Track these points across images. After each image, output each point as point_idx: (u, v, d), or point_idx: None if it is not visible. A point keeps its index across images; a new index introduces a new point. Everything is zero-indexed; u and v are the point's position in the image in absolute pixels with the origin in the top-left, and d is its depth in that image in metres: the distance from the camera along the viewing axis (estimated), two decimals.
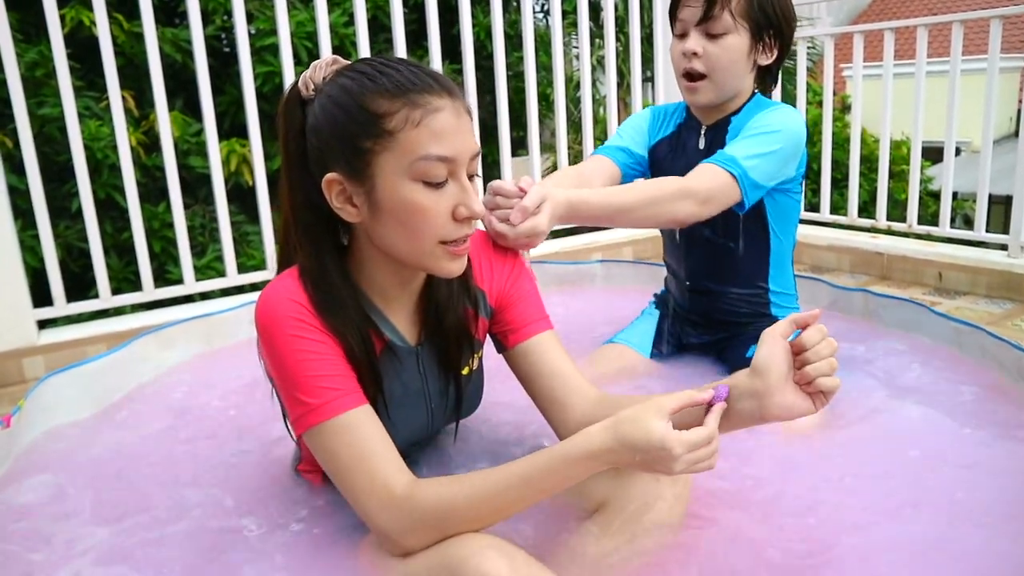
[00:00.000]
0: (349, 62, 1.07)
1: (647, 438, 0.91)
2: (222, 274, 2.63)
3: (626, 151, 1.72)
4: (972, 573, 1.04)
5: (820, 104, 4.30)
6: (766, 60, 1.58)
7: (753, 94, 1.64)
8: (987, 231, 2.68)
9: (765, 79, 1.63)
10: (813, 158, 3.30)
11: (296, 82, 1.06)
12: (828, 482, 1.25)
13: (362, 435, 1.01)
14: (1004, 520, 1.13)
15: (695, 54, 1.54)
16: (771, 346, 0.99)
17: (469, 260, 1.16)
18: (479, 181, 1.19)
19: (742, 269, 1.67)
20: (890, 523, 1.14)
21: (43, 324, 2.30)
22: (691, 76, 1.57)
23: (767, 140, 1.50)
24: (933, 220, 2.89)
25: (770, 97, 1.66)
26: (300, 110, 1.04)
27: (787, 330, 0.99)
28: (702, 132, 1.66)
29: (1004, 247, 2.58)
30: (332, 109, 1.01)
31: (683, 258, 1.73)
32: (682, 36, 1.57)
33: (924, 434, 1.39)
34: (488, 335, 1.28)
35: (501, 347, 1.26)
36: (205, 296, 2.86)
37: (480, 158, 1.07)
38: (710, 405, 0.98)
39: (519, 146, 4.23)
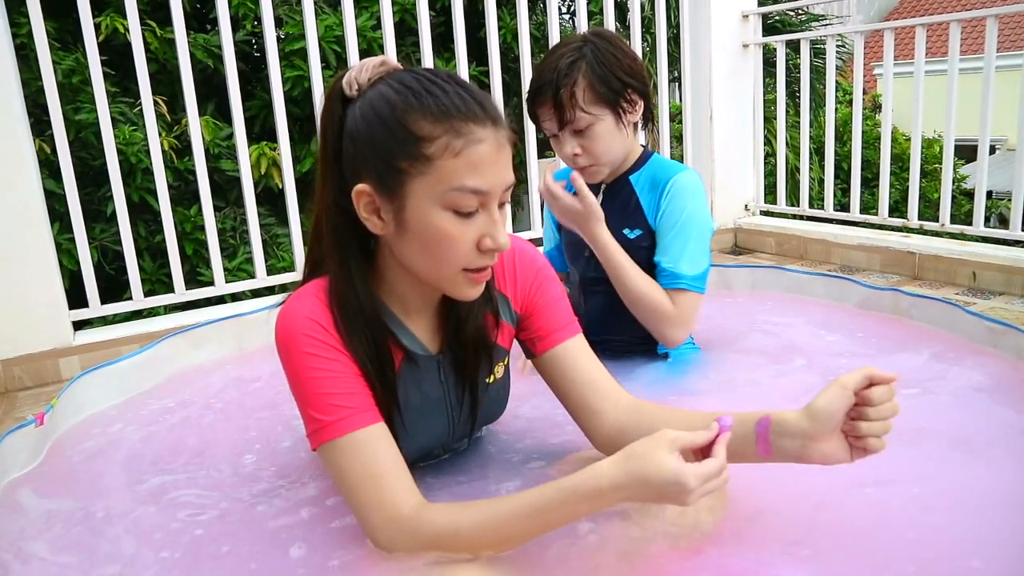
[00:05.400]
0: (397, 65, 1.05)
1: (660, 473, 0.90)
2: (252, 276, 2.67)
3: (554, 250, 1.90)
4: None
5: (850, 103, 4.25)
6: (636, 116, 1.64)
7: (644, 151, 1.72)
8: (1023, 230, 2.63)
9: (643, 122, 1.69)
10: (843, 158, 3.26)
11: (341, 78, 1.04)
12: (870, 487, 1.18)
13: (373, 453, 1.01)
14: None
15: (575, 154, 1.61)
16: (834, 396, 0.96)
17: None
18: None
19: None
20: (939, 524, 1.10)
21: (79, 325, 2.35)
22: (581, 167, 1.63)
23: (698, 238, 1.63)
24: (967, 219, 2.84)
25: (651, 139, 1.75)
26: (341, 108, 1.03)
27: (859, 383, 0.95)
28: (601, 190, 1.72)
29: None
30: (372, 119, 0.99)
31: (579, 305, 1.74)
32: (555, 137, 1.63)
33: (965, 439, 1.36)
34: (516, 341, 1.27)
35: (530, 354, 1.25)
36: (236, 297, 2.90)
37: (513, 188, 1.06)
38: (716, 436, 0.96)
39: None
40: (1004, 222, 2.77)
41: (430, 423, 1.19)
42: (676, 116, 3.98)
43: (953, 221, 2.84)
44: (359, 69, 1.03)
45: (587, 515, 0.95)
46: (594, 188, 1.73)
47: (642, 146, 1.74)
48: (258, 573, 1.07)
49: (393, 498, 0.99)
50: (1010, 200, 2.69)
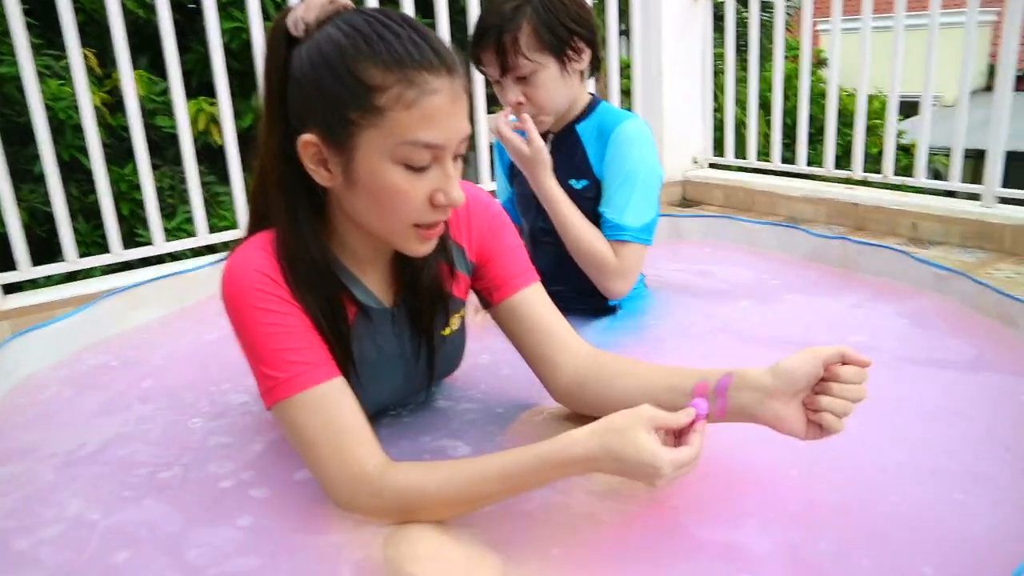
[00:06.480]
0: (347, 3, 0.99)
1: (636, 453, 0.88)
2: (193, 235, 2.58)
3: (508, 203, 1.89)
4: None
5: (796, 59, 4.28)
6: (583, 64, 1.61)
7: (592, 99, 1.69)
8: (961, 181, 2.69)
9: (590, 70, 1.66)
10: (788, 112, 3.29)
11: (285, 16, 0.97)
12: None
13: (332, 410, 0.98)
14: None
15: (520, 103, 1.58)
16: (803, 360, 0.95)
17: None
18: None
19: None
20: (888, 483, 1.08)
21: (8, 289, 2.25)
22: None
23: (644, 188, 1.61)
24: (903, 173, 2.90)
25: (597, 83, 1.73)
26: (286, 49, 0.97)
27: (831, 357, 0.95)
28: (549, 139, 1.70)
29: (975, 197, 2.60)
30: (320, 64, 0.93)
31: (531, 257, 1.75)
32: (498, 84, 1.60)
33: (906, 379, 1.39)
34: (472, 291, 1.25)
35: (486, 304, 1.24)
36: (176, 258, 2.81)
37: (468, 140, 1.01)
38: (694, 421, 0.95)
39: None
40: (938, 176, 2.84)
41: (386, 377, 1.17)
42: (624, 70, 3.95)
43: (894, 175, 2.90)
44: (306, 7, 0.97)
45: (556, 481, 0.94)
46: (542, 138, 1.69)
47: (591, 95, 1.71)
48: (207, 535, 1.03)
49: (356, 456, 0.97)
50: (944, 155, 2.75)
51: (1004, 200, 2.54)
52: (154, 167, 3.10)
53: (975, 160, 2.66)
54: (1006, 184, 2.54)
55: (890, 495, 1.04)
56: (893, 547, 0.95)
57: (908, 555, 0.93)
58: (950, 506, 1.02)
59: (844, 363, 0.95)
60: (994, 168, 2.52)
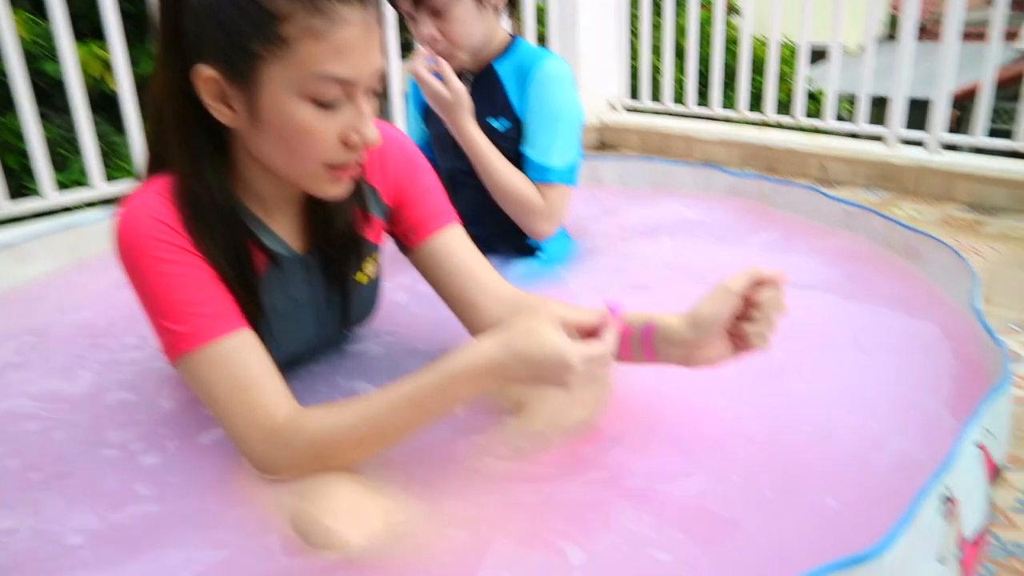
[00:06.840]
0: None
1: (542, 350, 0.83)
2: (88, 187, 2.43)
3: (423, 140, 1.80)
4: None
5: (709, 7, 4.30)
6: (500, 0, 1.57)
7: (511, 38, 1.64)
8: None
9: (509, 9, 1.62)
10: (702, 60, 3.33)
11: None
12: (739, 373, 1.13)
13: (239, 363, 0.92)
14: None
15: (434, 38, 1.51)
16: (719, 302, 0.91)
17: None
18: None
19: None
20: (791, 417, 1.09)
21: None
22: (439, 52, 1.54)
23: (567, 128, 1.58)
24: (814, 118, 2.98)
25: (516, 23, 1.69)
26: None
27: (745, 286, 0.91)
28: (468, 79, 1.64)
29: (879, 139, 2.69)
30: None
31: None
32: (411, 19, 1.53)
33: (821, 312, 1.41)
34: (389, 235, 1.21)
35: (404, 248, 1.19)
36: (71, 211, 2.64)
37: (383, 76, 0.94)
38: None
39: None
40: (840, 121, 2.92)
41: (298, 327, 1.12)
42: (540, 15, 3.89)
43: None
44: None
45: (470, 399, 0.89)
46: (465, 81, 1.64)
47: (510, 35, 1.66)
48: (102, 499, 0.98)
49: (265, 409, 0.91)
50: (848, 102, 2.83)
51: (906, 142, 2.64)
52: (43, 116, 2.91)
53: (877, 108, 2.75)
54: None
55: (806, 424, 1.06)
56: (801, 477, 0.96)
57: (814, 485, 0.94)
58: (861, 434, 1.04)
59: (758, 284, 0.93)
60: (897, 111, 2.61)
